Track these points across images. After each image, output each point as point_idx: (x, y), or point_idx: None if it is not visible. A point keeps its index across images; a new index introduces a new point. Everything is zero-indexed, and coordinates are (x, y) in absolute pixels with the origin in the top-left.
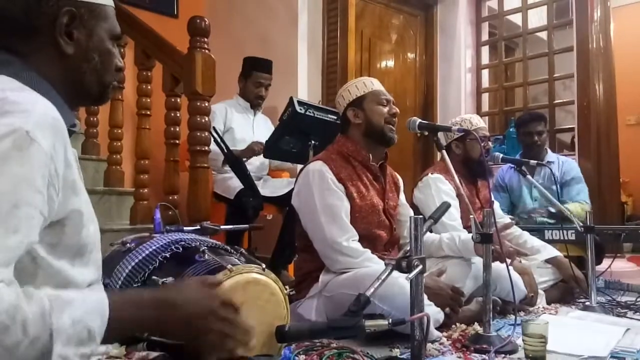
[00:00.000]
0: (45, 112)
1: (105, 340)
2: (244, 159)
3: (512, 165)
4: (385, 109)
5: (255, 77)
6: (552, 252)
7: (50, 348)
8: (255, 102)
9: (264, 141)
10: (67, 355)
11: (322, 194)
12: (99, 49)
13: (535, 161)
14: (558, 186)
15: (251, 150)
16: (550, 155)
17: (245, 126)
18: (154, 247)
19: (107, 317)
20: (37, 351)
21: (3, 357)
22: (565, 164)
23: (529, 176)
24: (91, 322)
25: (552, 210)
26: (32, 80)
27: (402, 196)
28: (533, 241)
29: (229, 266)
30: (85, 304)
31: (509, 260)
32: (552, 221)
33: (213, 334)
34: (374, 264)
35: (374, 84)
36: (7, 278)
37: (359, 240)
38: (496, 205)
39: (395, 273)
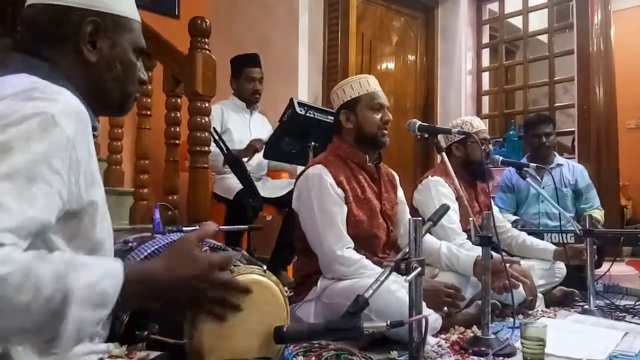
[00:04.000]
0: (71, 102)
1: (118, 308)
2: (246, 158)
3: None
4: (378, 117)
5: (246, 73)
6: (551, 247)
7: (63, 310)
8: (252, 99)
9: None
10: (83, 317)
11: (320, 199)
12: (122, 59)
13: (535, 164)
14: (570, 191)
15: (252, 148)
16: (559, 158)
17: (242, 126)
18: (155, 247)
19: (122, 283)
20: (49, 312)
21: (16, 316)
22: (577, 170)
23: (528, 179)
24: (106, 286)
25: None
26: (59, 83)
27: (399, 193)
28: (532, 239)
29: (230, 267)
30: (100, 269)
31: (507, 262)
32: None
33: (206, 297)
34: (368, 270)
35: (370, 85)
36: (22, 246)
37: (358, 244)
38: (495, 210)
39: (393, 286)
